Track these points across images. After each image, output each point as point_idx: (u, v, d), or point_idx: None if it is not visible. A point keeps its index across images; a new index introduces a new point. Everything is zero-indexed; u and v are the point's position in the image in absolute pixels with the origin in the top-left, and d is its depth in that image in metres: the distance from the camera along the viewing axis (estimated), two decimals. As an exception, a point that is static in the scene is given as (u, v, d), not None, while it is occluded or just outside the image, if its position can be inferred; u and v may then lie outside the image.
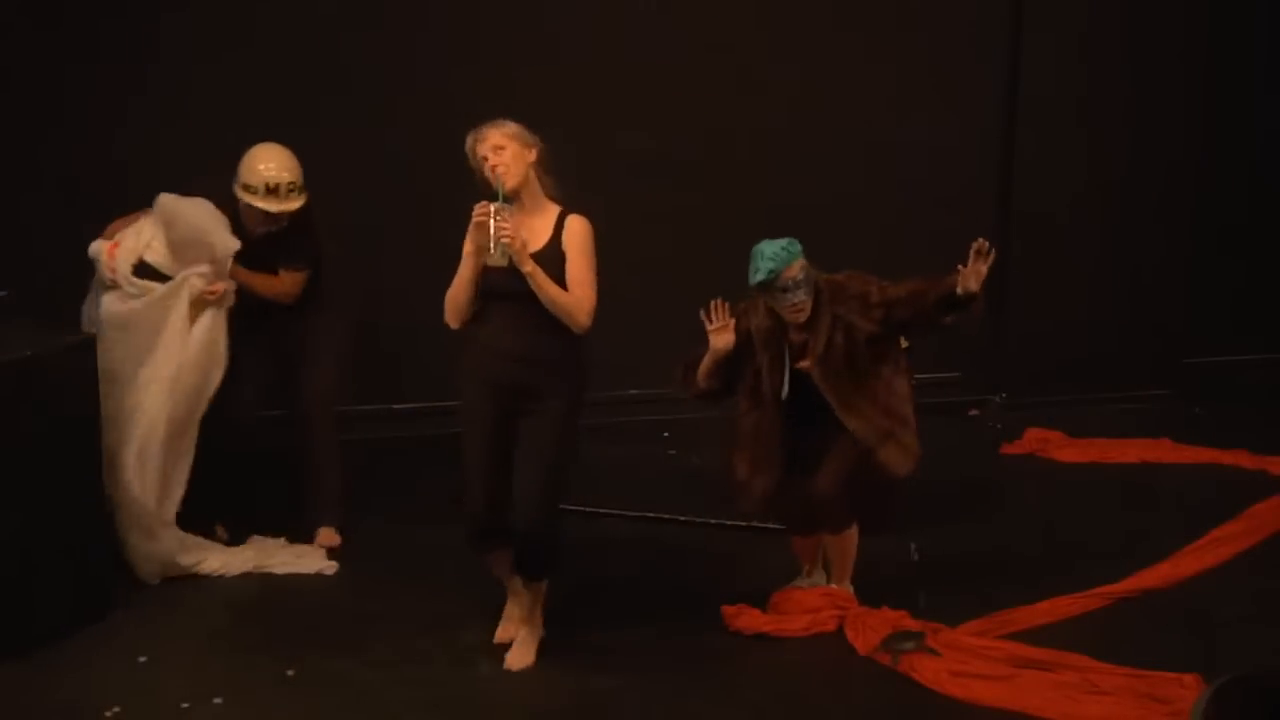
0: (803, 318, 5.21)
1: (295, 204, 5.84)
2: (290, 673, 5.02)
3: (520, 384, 4.84)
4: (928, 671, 4.96)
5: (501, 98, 7.13)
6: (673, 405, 6.83)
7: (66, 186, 6.90)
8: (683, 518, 6.44)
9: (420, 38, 7.28)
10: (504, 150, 4.79)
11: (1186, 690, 4.66)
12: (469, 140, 4.88)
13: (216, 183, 5.83)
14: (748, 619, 5.34)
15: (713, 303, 5.20)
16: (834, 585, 5.50)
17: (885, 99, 7.83)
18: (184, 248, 5.66)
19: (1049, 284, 8.08)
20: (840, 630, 5.29)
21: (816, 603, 5.41)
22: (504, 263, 4.72)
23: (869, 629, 5.21)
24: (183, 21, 6.97)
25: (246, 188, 5.80)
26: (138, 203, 5.88)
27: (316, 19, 7.15)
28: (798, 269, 5.14)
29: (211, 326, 5.69)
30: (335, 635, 5.34)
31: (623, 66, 7.48)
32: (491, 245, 4.69)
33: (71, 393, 5.25)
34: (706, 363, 5.30)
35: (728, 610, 5.37)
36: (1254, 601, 5.56)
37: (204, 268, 5.67)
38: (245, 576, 5.77)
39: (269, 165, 5.81)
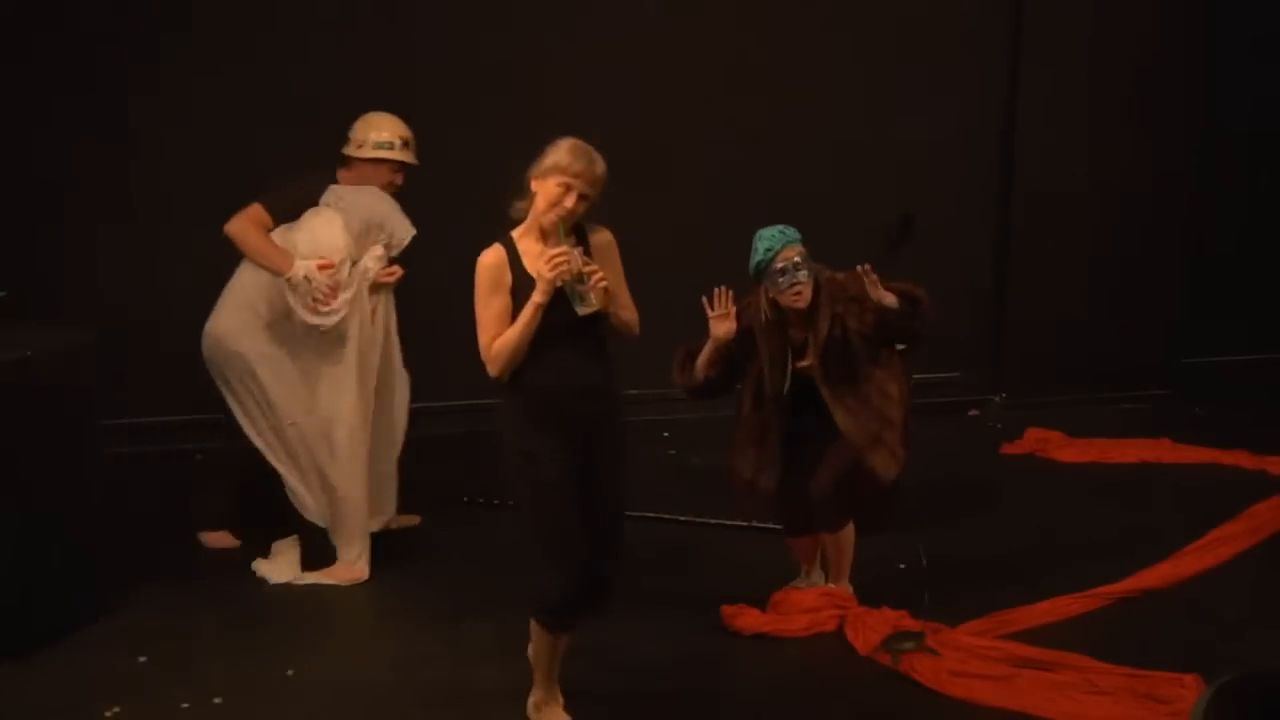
0: (802, 303, 5.22)
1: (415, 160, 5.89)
2: (290, 673, 5.01)
3: (594, 418, 4.41)
4: (928, 671, 4.95)
5: (499, 100, 7.20)
6: (673, 405, 6.82)
7: (66, 187, 6.91)
8: (683, 518, 6.44)
9: (421, 39, 7.29)
10: (588, 198, 4.34)
11: (1186, 690, 4.66)
12: (562, 157, 4.30)
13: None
14: (748, 619, 5.34)
15: (716, 290, 5.19)
16: (833, 585, 5.51)
17: (886, 99, 7.84)
18: (362, 236, 5.67)
19: (1048, 284, 8.08)
20: (840, 630, 5.29)
21: (816, 603, 5.40)
22: (596, 308, 4.28)
23: (869, 629, 5.21)
24: (183, 22, 6.97)
25: (380, 145, 5.77)
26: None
27: (317, 21, 7.16)
28: (794, 253, 5.17)
29: (387, 313, 5.74)
30: (335, 635, 5.34)
31: (622, 67, 7.48)
32: (590, 295, 4.25)
33: (71, 393, 5.25)
34: (707, 351, 5.30)
35: (727, 610, 5.37)
36: (1254, 601, 5.56)
37: (379, 250, 5.67)
38: (244, 577, 5.77)
39: (392, 122, 5.83)
